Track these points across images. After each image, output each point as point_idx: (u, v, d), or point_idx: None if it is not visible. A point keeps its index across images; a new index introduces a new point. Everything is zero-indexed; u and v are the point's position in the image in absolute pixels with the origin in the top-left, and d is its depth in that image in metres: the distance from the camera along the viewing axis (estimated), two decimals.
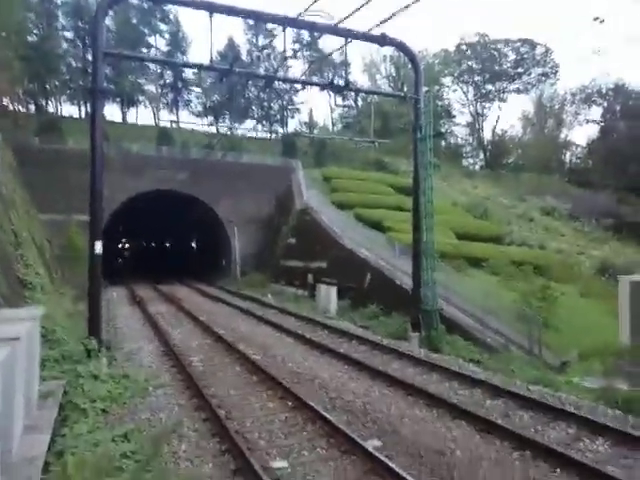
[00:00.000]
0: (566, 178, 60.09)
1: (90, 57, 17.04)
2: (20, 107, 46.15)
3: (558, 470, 6.20)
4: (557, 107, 70.16)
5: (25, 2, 46.03)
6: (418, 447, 6.88)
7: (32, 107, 51.36)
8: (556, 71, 64.23)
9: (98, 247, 11.86)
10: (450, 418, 8.01)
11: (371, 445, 6.71)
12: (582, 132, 79.67)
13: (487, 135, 72.03)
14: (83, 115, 54.51)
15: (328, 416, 7.62)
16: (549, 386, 10.00)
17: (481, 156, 72.44)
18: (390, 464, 5.99)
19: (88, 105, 47.03)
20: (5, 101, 36.40)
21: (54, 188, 28.42)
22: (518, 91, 68.94)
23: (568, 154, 72.23)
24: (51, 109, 54.96)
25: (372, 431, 7.50)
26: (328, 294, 20.49)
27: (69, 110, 59.08)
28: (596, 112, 67.31)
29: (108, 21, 47.08)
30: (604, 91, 65.41)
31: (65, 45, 55.82)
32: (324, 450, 6.83)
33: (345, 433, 6.98)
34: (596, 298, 20.60)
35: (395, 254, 20.83)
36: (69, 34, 57.31)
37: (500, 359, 12.85)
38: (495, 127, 71.13)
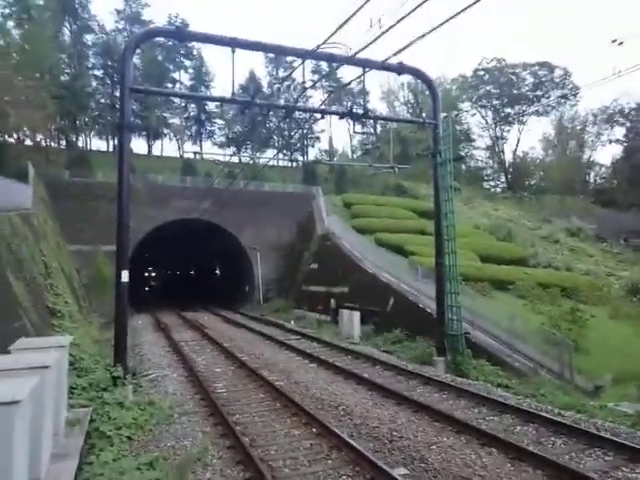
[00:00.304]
0: (591, 199, 59.09)
1: (118, 93, 17.78)
2: (52, 143, 48.19)
3: None
4: (578, 128, 69.60)
5: (58, 44, 48.68)
6: (447, 475, 6.67)
7: (63, 142, 53.47)
8: (576, 93, 64.00)
9: (124, 276, 12.12)
10: (479, 445, 7.76)
11: (398, 473, 6.55)
12: (605, 152, 78.79)
13: (508, 157, 71.71)
14: (111, 149, 56.53)
15: (353, 443, 7.47)
16: (582, 411, 9.66)
17: (502, 179, 71.93)
18: None
19: (115, 139, 48.83)
20: (39, 138, 38.13)
21: (82, 220, 29.32)
22: (538, 113, 68.72)
23: (592, 174, 71.25)
24: (80, 144, 57.13)
25: (398, 458, 7.32)
26: (351, 319, 20.34)
27: (97, 144, 61.33)
28: (619, 132, 66.56)
29: (135, 59, 49.23)
30: (626, 111, 64.76)
31: (94, 83, 58.43)
32: (350, 478, 6.69)
33: (371, 460, 6.83)
34: (627, 320, 19.93)
35: (418, 278, 20.65)
36: (98, 72, 60.11)
37: (530, 384, 12.49)
38: (516, 149, 70.83)
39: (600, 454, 7.36)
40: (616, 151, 74.95)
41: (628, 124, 65.23)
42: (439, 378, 12.20)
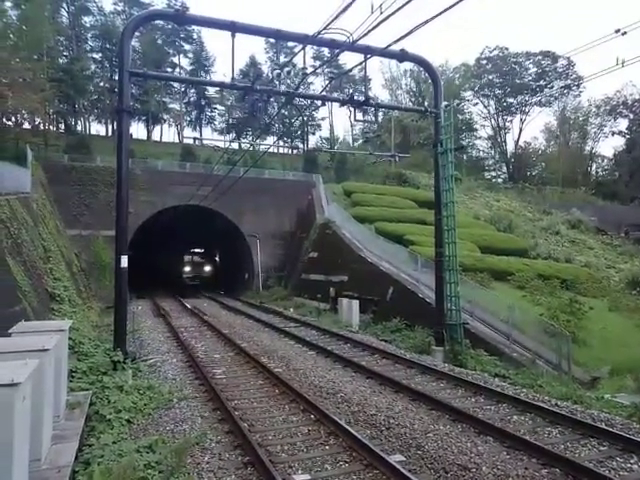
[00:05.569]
0: (592, 191, 58.95)
1: (117, 77, 17.65)
2: (51, 127, 47.90)
3: None
4: (581, 119, 69.18)
5: (56, 26, 48.14)
6: (442, 462, 6.73)
7: (62, 126, 53.17)
8: (579, 83, 63.56)
9: (124, 262, 12.13)
10: (475, 433, 7.83)
11: (394, 459, 6.61)
12: (608, 144, 78.48)
13: (510, 148, 71.41)
14: (110, 133, 56.21)
15: (351, 430, 7.53)
16: (579, 402, 9.71)
17: (504, 169, 71.73)
18: (413, 479, 5.88)
19: (115, 124, 48.53)
20: (37, 121, 37.89)
21: (82, 204, 29.32)
22: (540, 104, 68.34)
23: (594, 166, 71.00)
24: (79, 128, 56.80)
25: (395, 445, 7.38)
26: (350, 307, 20.40)
27: (97, 128, 61.10)
28: (622, 124, 66.14)
29: (134, 42, 48.69)
30: (630, 102, 64.30)
31: (93, 66, 57.93)
32: (347, 464, 6.75)
33: (368, 447, 6.89)
34: (626, 312, 19.99)
35: (417, 267, 20.67)
36: (97, 55, 59.57)
37: (527, 374, 12.54)
38: (518, 140, 70.49)
39: (595, 444, 7.42)
40: (618, 143, 74.56)
41: (631, 116, 64.84)
42: (437, 367, 12.26)
